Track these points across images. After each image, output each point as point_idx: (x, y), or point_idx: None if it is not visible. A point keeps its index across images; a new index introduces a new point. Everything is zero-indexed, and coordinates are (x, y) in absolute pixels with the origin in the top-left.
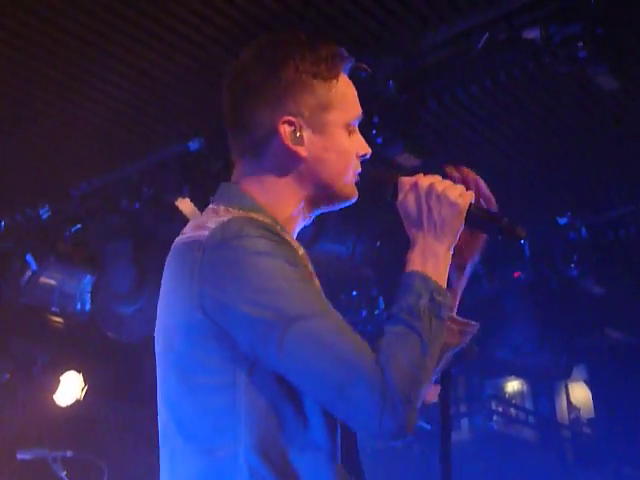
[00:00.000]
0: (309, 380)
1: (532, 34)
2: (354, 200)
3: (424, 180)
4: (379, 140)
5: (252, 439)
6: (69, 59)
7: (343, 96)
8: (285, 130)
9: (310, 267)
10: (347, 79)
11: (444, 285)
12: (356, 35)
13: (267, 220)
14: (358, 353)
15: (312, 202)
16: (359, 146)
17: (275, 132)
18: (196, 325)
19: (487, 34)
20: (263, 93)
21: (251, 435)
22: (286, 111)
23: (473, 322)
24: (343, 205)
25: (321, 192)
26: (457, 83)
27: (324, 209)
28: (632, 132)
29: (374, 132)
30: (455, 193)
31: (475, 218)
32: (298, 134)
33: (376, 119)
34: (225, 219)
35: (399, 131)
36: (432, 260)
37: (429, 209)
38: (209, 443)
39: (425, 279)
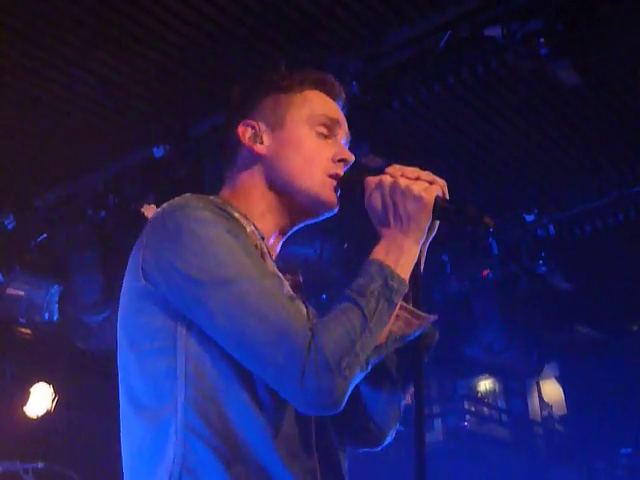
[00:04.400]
0: (234, 342)
1: (494, 32)
2: (333, 208)
3: (388, 178)
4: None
5: (190, 399)
6: (30, 67)
7: (306, 100)
8: (244, 132)
9: (263, 247)
10: (320, 95)
11: (405, 275)
12: (319, 38)
13: (220, 201)
14: (287, 317)
15: (286, 207)
16: (335, 151)
17: (240, 139)
18: (139, 292)
19: (449, 33)
20: (237, 108)
21: (190, 396)
22: (248, 117)
23: (429, 315)
24: (322, 213)
25: (288, 191)
26: (420, 82)
27: (304, 216)
28: (595, 127)
29: None
30: (419, 187)
31: (442, 210)
32: (257, 136)
33: None
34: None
35: (364, 132)
36: (395, 252)
37: (394, 205)
38: (153, 408)
39: (381, 266)
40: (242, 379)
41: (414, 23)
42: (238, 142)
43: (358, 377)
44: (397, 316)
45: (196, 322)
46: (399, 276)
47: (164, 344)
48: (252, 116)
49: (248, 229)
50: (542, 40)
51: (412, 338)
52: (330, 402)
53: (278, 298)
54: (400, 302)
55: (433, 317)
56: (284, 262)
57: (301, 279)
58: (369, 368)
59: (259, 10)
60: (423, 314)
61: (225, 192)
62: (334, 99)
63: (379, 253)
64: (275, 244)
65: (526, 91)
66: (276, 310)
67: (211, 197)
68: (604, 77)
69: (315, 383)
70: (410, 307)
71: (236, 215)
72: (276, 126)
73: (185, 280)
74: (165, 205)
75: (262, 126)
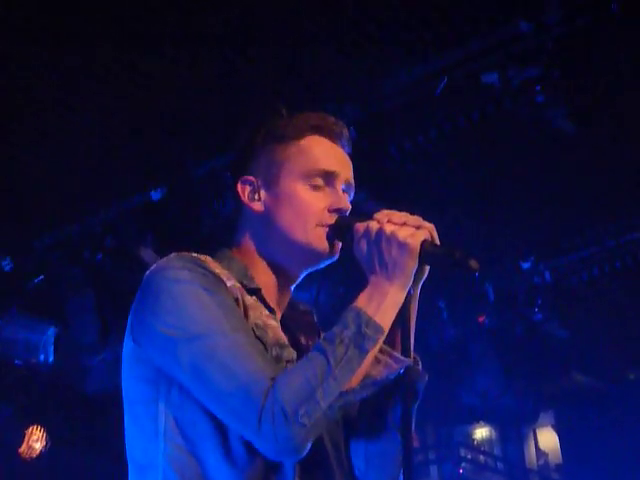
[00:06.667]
0: (203, 394)
1: (491, 78)
2: (330, 256)
3: (374, 224)
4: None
5: (168, 456)
6: (30, 112)
7: (302, 151)
8: (243, 190)
9: (248, 300)
10: (320, 140)
11: (384, 322)
12: (317, 83)
13: (204, 258)
14: (250, 369)
15: (286, 259)
16: (330, 200)
17: (240, 197)
18: (130, 351)
19: (446, 79)
20: (237, 161)
21: (168, 452)
22: (247, 171)
23: (404, 358)
24: (321, 262)
25: (284, 246)
26: (417, 128)
27: (305, 266)
28: (592, 175)
29: None
30: (405, 233)
31: (428, 255)
32: (256, 193)
33: None
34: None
35: (361, 178)
36: (378, 299)
37: (379, 251)
38: (142, 464)
39: (359, 313)
40: (216, 433)
41: (411, 69)
42: (239, 198)
43: (322, 422)
44: (378, 360)
45: (175, 378)
46: (376, 323)
47: (149, 403)
48: (251, 170)
49: (229, 284)
50: (538, 87)
51: (384, 382)
52: (288, 449)
53: (245, 350)
54: (381, 346)
55: (408, 360)
56: (294, 308)
57: (315, 318)
58: (336, 413)
59: (258, 55)
60: (403, 358)
61: (234, 248)
62: (335, 140)
63: (361, 300)
64: (283, 293)
65: (523, 138)
66: (240, 362)
67: (194, 254)
68: (600, 125)
69: (272, 431)
70: (391, 351)
71: (217, 271)
72: (271, 182)
73: (161, 338)
74: (153, 266)
75: (260, 182)
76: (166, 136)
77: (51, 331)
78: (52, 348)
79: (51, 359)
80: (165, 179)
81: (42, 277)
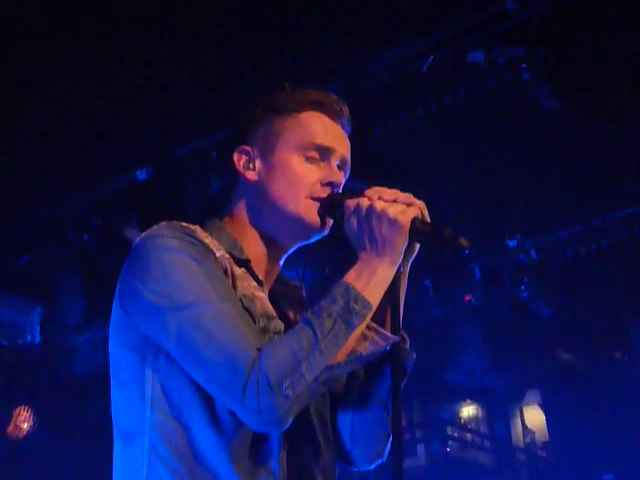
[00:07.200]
0: (189, 363)
1: (476, 57)
2: (319, 230)
3: (365, 201)
4: None
5: (155, 422)
6: (16, 91)
7: (300, 124)
8: (239, 159)
9: (237, 271)
10: (319, 115)
11: (372, 298)
12: (302, 62)
13: (194, 228)
14: (235, 338)
15: (276, 230)
16: (323, 174)
17: (235, 165)
18: (117, 318)
19: (431, 57)
20: (238, 132)
21: (155, 418)
22: (246, 142)
23: (391, 335)
24: (310, 235)
25: (275, 216)
26: (402, 107)
27: (295, 239)
28: (577, 153)
29: None
30: (395, 210)
31: (418, 232)
32: (251, 162)
33: None
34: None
35: None
36: (367, 275)
37: (370, 228)
38: (129, 431)
39: (347, 288)
40: (203, 401)
41: (396, 47)
42: (234, 168)
43: (306, 395)
44: (365, 337)
45: (162, 346)
46: (364, 299)
47: (135, 370)
48: (249, 141)
49: (218, 254)
50: (524, 65)
51: (370, 358)
52: (271, 420)
53: (232, 320)
54: (368, 323)
55: (394, 338)
56: (283, 282)
57: (304, 294)
58: (320, 386)
59: (243, 35)
60: (389, 335)
61: (225, 217)
62: (335, 118)
63: (350, 276)
64: (272, 266)
65: (508, 116)
66: (227, 332)
67: (184, 223)
68: (585, 103)
69: (255, 402)
70: (378, 328)
71: (207, 241)
72: (267, 152)
73: (148, 306)
74: (143, 234)
75: (256, 152)
76: (151, 117)
77: (37, 311)
78: (38, 328)
79: (37, 339)
80: (150, 159)
81: (27, 258)
